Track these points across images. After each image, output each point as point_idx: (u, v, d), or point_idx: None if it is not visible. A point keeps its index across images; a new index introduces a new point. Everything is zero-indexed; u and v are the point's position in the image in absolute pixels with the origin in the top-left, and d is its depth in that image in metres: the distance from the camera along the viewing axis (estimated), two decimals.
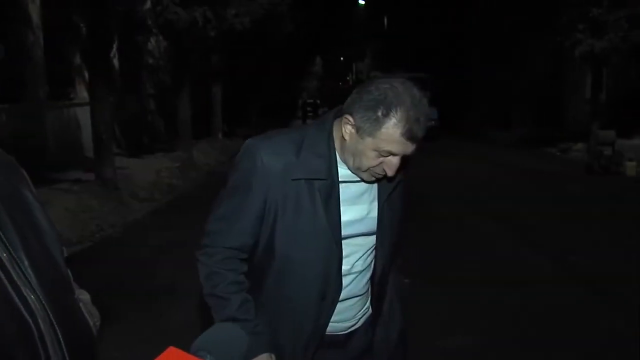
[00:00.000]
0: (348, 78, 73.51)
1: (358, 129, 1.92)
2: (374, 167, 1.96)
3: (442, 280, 6.06)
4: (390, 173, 1.96)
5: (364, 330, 2.24)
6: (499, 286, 6.07)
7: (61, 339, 1.46)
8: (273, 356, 2.04)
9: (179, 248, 7.84)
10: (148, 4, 15.04)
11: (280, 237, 2.02)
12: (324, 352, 2.17)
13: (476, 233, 8.40)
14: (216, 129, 21.92)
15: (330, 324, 2.13)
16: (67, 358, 1.47)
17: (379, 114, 1.87)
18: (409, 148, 1.92)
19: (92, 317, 1.68)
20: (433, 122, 14.35)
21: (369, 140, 1.91)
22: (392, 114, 1.86)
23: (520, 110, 24.33)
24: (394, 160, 1.93)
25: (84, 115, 13.49)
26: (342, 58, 69.05)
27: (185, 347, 1.55)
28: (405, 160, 1.98)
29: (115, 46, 15.83)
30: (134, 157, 15.11)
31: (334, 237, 2.02)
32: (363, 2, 52.27)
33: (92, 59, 11.56)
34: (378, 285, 2.21)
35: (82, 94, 14.42)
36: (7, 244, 1.41)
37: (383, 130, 1.87)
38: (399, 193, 2.16)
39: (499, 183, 12.74)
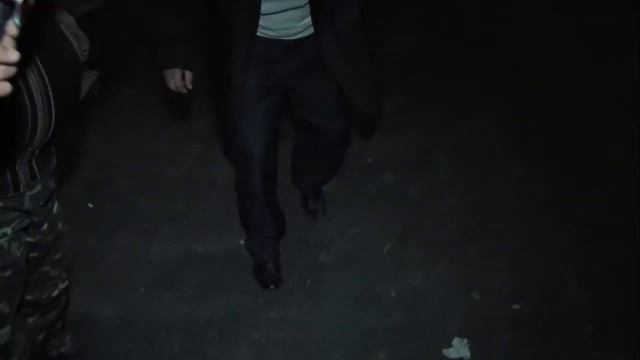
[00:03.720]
0: None
1: None
2: None
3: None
4: None
5: (311, 42, 2.53)
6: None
7: (40, 66, 1.44)
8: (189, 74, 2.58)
9: None
10: None
11: None
12: (276, 52, 2.54)
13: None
14: None
15: (278, 30, 2.49)
16: (47, 80, 1.45)
17: None
18: None
19: (77, 40, 1.60)
20: None
21: None
22: None
23: None
24: None
25: None
26: None
27: None
28: None
29: None
30: None
31: None
32: None
33: None
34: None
35: None
36: None
37: None
38: None
39: None
